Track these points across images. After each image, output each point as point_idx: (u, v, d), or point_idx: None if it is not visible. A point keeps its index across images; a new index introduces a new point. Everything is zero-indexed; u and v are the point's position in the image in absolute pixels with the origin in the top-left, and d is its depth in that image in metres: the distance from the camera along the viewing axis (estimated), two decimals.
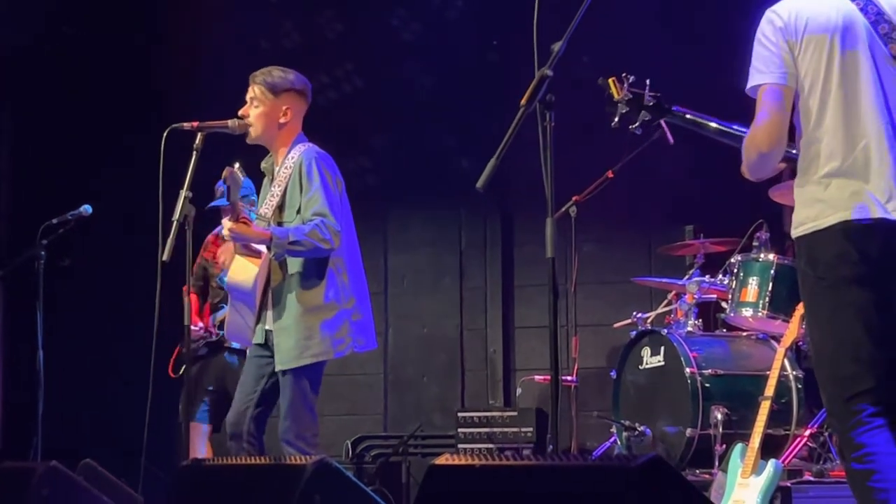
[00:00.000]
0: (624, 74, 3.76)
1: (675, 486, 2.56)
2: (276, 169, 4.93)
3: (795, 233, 3.46)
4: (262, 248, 4.82)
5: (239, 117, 4.92)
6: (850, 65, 3.41)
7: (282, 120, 4.91)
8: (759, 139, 3.45)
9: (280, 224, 4.84)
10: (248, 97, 4.96)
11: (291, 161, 4.86)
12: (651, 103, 3.72)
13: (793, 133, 3.54)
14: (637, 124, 3.74)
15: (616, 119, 3.75)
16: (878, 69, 3.40)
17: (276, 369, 4.77)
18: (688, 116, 3.76)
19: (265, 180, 5.04)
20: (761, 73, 3.46)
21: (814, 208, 3.41)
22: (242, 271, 4.86)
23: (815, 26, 3.42)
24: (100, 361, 7.89)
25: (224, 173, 4.62)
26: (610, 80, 3.76)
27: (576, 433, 6.65)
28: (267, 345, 4.85)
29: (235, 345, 6.28)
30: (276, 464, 3.58)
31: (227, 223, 4.74)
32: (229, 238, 4.82)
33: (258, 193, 5.08)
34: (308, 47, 8.13)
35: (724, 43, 6.71)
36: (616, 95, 3.74)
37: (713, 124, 3.71)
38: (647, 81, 3.74)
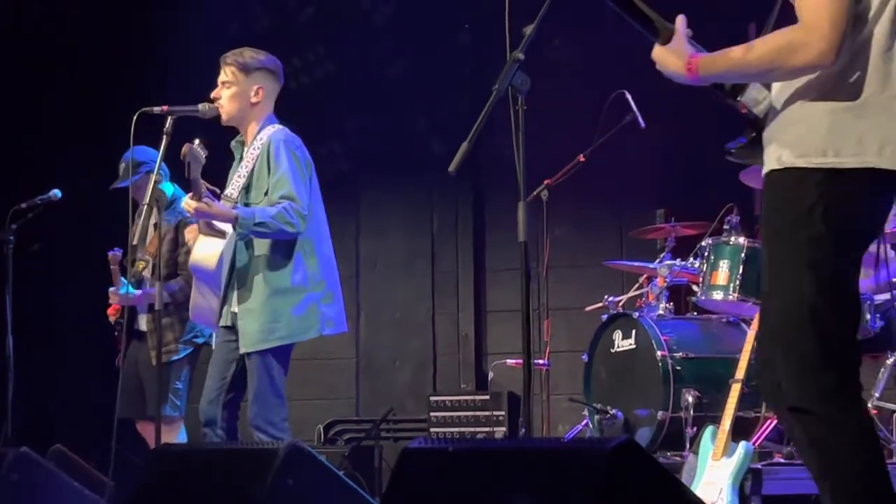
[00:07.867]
0: None
1: (647, 469, 2.57)
2: (245, 149, 4.90)
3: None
4: (228, 227, 4.78)
5: (210, 100, 4.89)
6: None
7: (254, 99, 4.88)
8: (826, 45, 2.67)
9: (247, 205, 4.80)
10: (219, 80, 4.93)
11: (260, 142, 4.84)
12: None
13: None
14: None
15: None
16: None
17: (241, 352, 4.75)
18: None
19: (235, 161, 5.01)
20: None
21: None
22: (206, 251, 4.82)
23: None
24: (70, 346, 7.84)
25: (183, 150, 4.56)
26: None
27: (548, 416, 6.67)
28: (234, 328, 4.82)
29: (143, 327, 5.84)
30: (248, 448, 3.58)
31: (189, 201, 4.68)
32: (193, 217, 4.78)
33: (226, 174, 5.04)
34: (279, 31, 8.08)
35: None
36: None
37: None
38: None
